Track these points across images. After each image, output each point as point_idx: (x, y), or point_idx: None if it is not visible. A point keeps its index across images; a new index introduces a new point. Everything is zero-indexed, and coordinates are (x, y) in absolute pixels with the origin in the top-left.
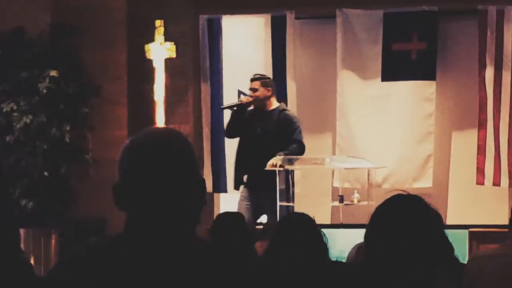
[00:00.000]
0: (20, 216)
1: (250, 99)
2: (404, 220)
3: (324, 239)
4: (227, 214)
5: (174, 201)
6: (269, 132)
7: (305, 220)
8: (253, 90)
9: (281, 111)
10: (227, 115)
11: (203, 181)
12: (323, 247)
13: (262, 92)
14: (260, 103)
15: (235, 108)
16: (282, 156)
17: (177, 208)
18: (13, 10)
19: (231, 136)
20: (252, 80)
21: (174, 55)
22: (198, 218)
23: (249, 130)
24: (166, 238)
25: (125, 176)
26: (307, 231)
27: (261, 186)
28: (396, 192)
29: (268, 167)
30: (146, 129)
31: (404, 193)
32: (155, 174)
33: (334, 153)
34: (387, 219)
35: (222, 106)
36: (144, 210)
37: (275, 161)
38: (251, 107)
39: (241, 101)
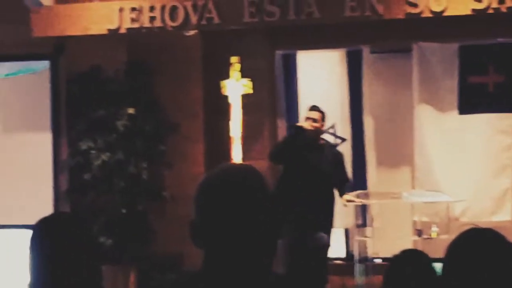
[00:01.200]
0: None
1: (311, 127)
2: (480, 254)
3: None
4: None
5: (250, 237)
6: (322, 166)
7: (420, 257)
8: (314, 120)
9: (331, 146)
10: None
11: (279, 216)
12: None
13: (321, 124)
14: (316, 134)
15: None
16: (355, 192)
17: (253, 244)
18: (90, 49)
19: (275, 160)
20: (314, 109)
21: (250, 91)
22: (274, 253)
23: (301, 161)
24: (243, 274)
25: (200, 213)
26: (423, 268)
27: (314, 221)
28: (471, 226)
29: (344, 202)
30: (220, 165)
31: (479, 227)
32: (230, 210)
33: (412, 187)
34: (463, 253)
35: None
36: (221, 247)
37: (349, 196)
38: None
39: (301, 125)
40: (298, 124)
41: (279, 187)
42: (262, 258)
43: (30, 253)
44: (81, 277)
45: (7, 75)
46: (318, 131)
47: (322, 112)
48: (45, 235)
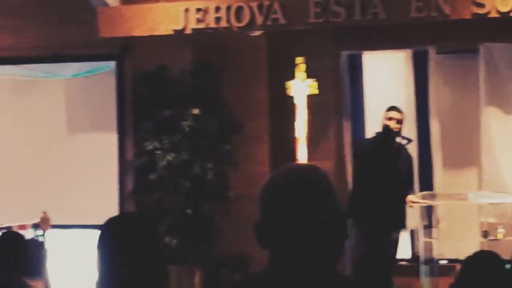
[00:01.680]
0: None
1: (396, 128)
2: None
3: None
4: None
5: (315, 238)
6: (397, 169)
7: (493, 258)
8: (398, 121)
9: (404, 148)
10: None
11: (344, 216)
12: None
13: (402, 125)
14: (396, 136)
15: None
16: (420, 193)
17: (318, 244)
18: (156, 49)
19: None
20: (398, 110)
21: (315, 92)
22: (340, 253)
23: (377, 163)
24: (308, 275)
25: (265, 214)
26: (496, 270)
27: (388, 221)
28: None
29: (409, 203)
30: (285, 166)
31: None
32: (295, 211)
33: (479, 188)
34: None
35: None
36: (286, 247)
37: (415, 198)
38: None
39: (387, 125)
40: (386, 123)
41: (354, 190)
42: (327, 258)
43: (98, 252)
44: (148, 277)
45: (73, 75)
46: (398, 133)
47: (403, 113)
48: (113, 235)
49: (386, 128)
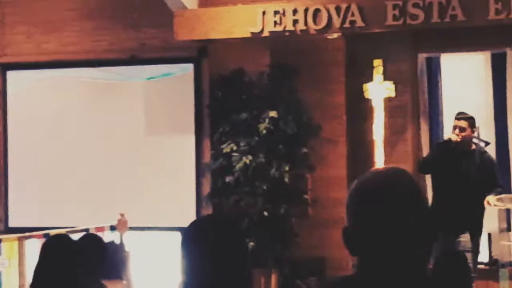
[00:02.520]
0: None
1: (458, 139)
2: None
3: None
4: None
5: (407, 241)
6: (472, 174)
7: None
8: (461, 129)
9: (482, 153)
10: None
11: (432, 219)
12: None
13: (468, 132)
14: (464, 143)
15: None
16: (499, 196)
17: (410, 247)
18: (233, 52)
19: (425, 171)
20: (460, 118)
21: (393, 95)
22: (430, 255)
23: (450, 170)
24: (401, 279)
25: (355, 219)
26: None
27: (464, 227)
28: None
29: (486, 203)
30: (373, 170)
31: None
32: (386, 215)
33: None
34: None
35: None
36: (377, 252)
37: (491, 200)
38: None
39: (449, 138)
40: (446, 137)
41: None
42: (418, 261)
43: (183, 254)
44: (233, 279)
45: (151, 78)
46: (466, 140)
47: (469, 119)
48: (199, 237)
49: (444, 142)
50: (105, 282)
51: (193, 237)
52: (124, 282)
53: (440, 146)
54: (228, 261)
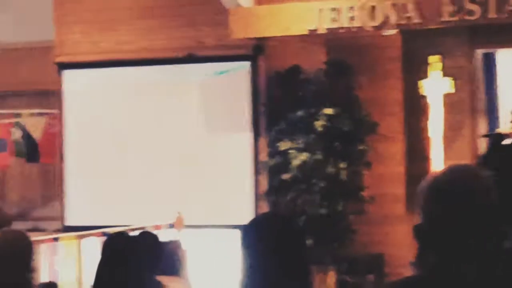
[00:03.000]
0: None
1: (509, 131)
2: None
3: None
4: None
5: (481, 240)
6: None
7: None
8: None
9: None
10: None
11: (501, 215)
12: None
13: None
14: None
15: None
16: None
17: (484, 244)
18: (289, 49)
19: (486, 166)
20: None
21: (451, 91)
22: (501, 253)
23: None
24: (474, 276)
25: (430, 216)
26: None
27: None
28: None
29: None
30: (447, 167)
31: None
32: (460, 214)
33: None
34: None
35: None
36: (452, 251)
37: None
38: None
39: (499, 132)
40: (497, 131)
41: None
42: (492, 258)
43: (243, 252)
44: (294, 276)
45: (208, 76)
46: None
47: None
48: (259, 235)
49: (495, 135)
50: (162, 278)
51: (253, 235)
52: (183, 280)
53: (491, 138)
54: (288, 259)
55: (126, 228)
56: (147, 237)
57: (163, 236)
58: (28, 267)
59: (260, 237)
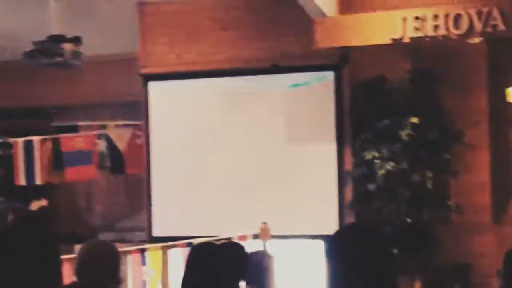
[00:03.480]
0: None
1: None
2: None
3: None
4: None
5: None
6: None
7: None
8: None
9: None
10: None
11: None
12: None
13: None
14: None
15: None
16: None
17: None
18: (373, 59)
19: None
20: None
21: None
22: None
23: None
24: None
25: None
26: None
27: None
28: None
29: None
30: None
31: None
32: None
33: None
34: None
35: None
36: None
37: None
38: None
39: None
40: None
41: None
42: None
43: (328, 264)
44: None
45: (292, 86)
46: None
47: None
48: (344, 246)
49: None
50: None
51: (339, 247)
52: None
53: None
54: (375, 270)
55: (212, 238)
56: (233, 248)
57: (249, 246)
58: (116, 278)
59: (346, 248)
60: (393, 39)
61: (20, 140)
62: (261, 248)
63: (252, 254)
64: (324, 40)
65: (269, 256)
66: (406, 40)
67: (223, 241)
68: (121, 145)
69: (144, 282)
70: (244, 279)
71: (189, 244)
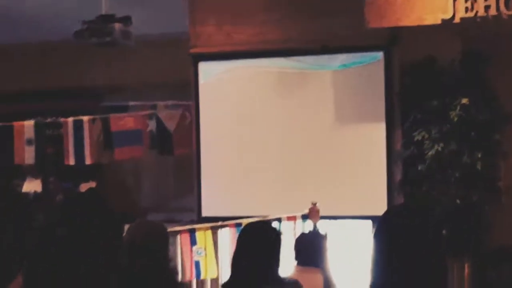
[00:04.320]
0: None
1: None
2: None
3: None
4: None
5: None
6: None
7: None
8: None
9: None
10: None
11: None
12: None
13: None
14: None
15: None
16: None
17: None
18: (424, 39)
19: None
20: None
21: None
22: None
23: None
24: None
25: None
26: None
27: None
28: None
29: None
30: None
31: None
32: None
33: None
34: None
35: None
36: None
37: None
38: None
39: None
40: None
41: None
42: None
43: (375, 243)
44: (428, 270)
45: (341, 66)
46: None
47: None
48: (392, 226)
49: None
50: (302, 270)
51: (386, 226)
52: (321, 271)
53: None
54: (422, 252)
55: (261, 219)
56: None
57: (298, 227)
58: (165, 257)
59: (393, 228)
60: (443, 20)
61: (70, 120)
62: (316, 229)
63: (304, 234)
64: (375, 20)
65: (323, 236)
66: (457, 20)
67: (272, 221)
68: (170, 125)
69: (197, 263)
70: (298, 259)
71: (237, 225)
